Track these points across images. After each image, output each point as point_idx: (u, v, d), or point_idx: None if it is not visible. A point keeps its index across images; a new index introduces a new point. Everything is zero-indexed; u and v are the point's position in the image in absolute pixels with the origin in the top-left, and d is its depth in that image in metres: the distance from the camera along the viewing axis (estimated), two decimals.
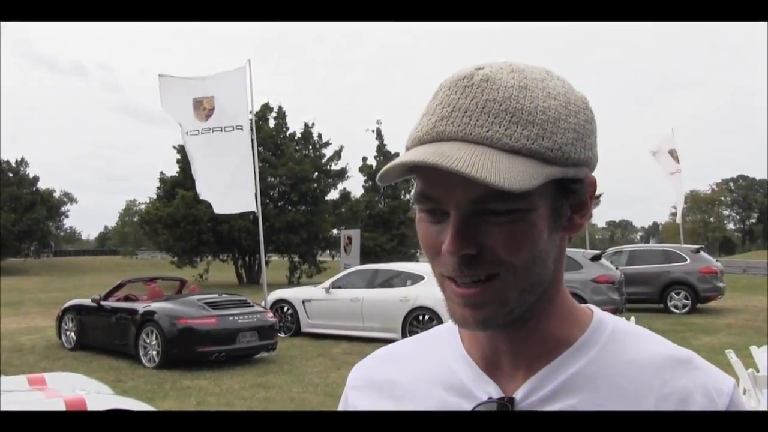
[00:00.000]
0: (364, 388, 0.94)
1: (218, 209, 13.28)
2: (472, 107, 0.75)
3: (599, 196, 0.83)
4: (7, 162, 48.67)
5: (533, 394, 0.81)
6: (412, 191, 0.80)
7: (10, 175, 47.86)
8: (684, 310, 16.54)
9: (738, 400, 0.80)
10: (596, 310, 0.88)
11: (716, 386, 0.80)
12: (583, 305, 0.88)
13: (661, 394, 0.78)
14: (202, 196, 13.01)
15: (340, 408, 0.98)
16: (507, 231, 0.74)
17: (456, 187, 0.74)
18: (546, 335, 0.82)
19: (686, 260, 17.04)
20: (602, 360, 0.81)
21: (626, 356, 0.82)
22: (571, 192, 0.79)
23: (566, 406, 0.79)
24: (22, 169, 50.95)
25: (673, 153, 22.12)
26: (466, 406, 0.82)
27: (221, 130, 12.66)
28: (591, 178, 0.81)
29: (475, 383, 0.84)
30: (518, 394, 0.81)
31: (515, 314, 0.78)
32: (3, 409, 4.66)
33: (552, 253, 0.80)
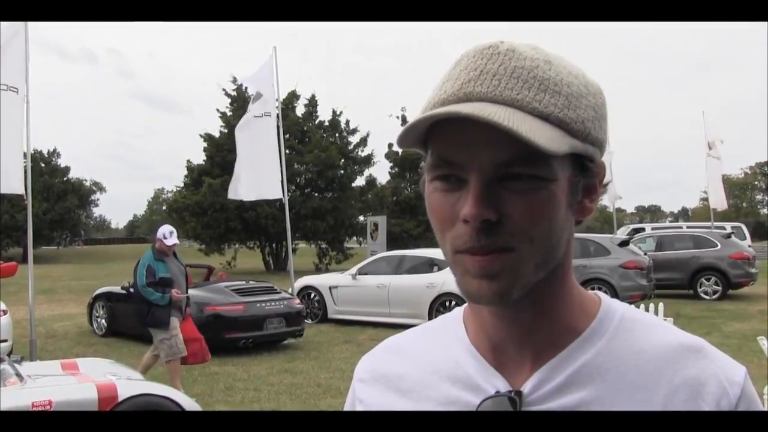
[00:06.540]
0: (371, 380, 0.93)
1: (245, 196, 13.35)
2: (501, 71, 0.74)
3: (606, 184, 0.82)
4: (40, 152, 49.38)
5: (541, 386, 0.78)
6: (425, 162, 0.78)
7: (42, 165, 48.57)
8: (714, 297, 16.31)
9: (749, 389, 0.78)
10: (604, 297, 0.85)
11: (728, 375, 0.77)
12: (591, 292, 0.86)
13: (672, 384, 0.76)
14: (235, 186, 13.08)
15: (348, 400, 0.97)
16: (528, 199, 0.72)
17: (482, 149, 0.72)
18: (553, 323, 0.80)
19: (717, 245, 16.76)
20: (611, 350, 0.79)
21: (636, 346, 0.79)
22: (586, 170, 0.78)
23: (575, 399, 0.77)
24: (53, 159, 51.70)
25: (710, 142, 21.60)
26: (474, 399, 0.80)
27: (253, 117, 12.81)
28: (601, 162, 0.80)
29: (482, 376, 0.82)
30: (526, 387, 0.79)
31: (527, 289, 0.76)
32: (39, 391, 4.80)
33: (566, 231, 0.78)
